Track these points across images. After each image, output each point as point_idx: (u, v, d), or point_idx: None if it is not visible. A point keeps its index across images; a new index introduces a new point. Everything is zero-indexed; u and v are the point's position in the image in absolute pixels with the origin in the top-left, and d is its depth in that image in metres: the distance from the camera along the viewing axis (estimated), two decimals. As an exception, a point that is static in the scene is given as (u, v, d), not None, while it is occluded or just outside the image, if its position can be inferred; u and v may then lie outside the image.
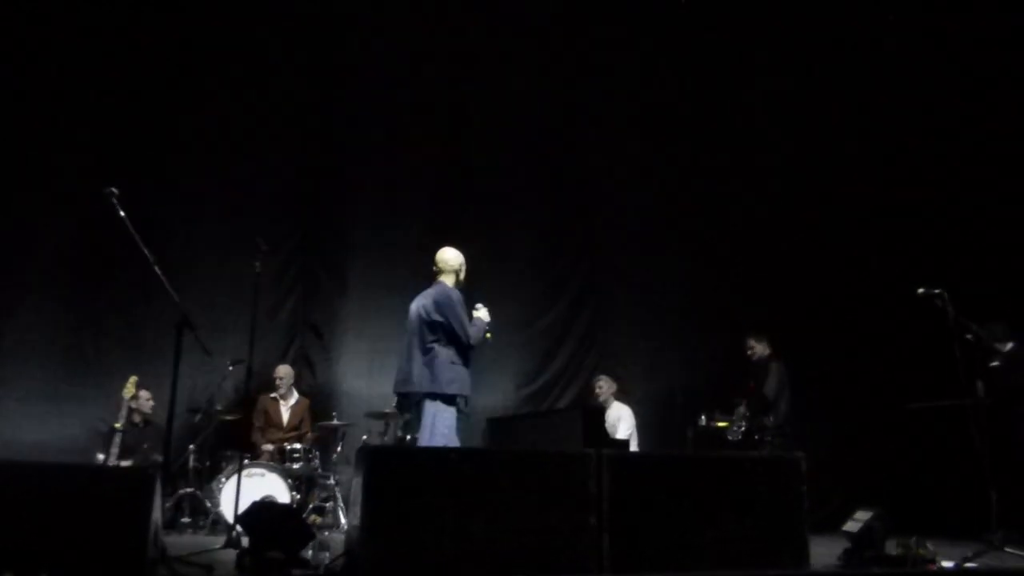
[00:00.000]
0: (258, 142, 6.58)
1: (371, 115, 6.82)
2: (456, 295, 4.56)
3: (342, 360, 6.67)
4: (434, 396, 4.35)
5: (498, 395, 6.67)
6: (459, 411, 4.42)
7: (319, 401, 6.45)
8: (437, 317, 4.44)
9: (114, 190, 3.61)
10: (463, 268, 4.71)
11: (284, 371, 6.32)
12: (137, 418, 5.77)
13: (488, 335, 4.63)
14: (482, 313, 4.69)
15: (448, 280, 4.64)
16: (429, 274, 4.77)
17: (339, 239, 6.79)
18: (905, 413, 4.78)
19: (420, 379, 4.39)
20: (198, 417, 5.72)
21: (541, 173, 7.11)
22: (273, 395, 6.27)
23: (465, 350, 4.53)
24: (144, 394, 5.80)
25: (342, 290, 6.76)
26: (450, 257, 4.69)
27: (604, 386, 6.46)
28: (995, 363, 4.85)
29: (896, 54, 6.50)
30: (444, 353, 4.44)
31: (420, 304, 4.58)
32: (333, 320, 6.64)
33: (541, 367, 6.94)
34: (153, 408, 5.85)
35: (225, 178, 6.48)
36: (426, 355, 4.44)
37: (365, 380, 6.52)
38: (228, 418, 5.78)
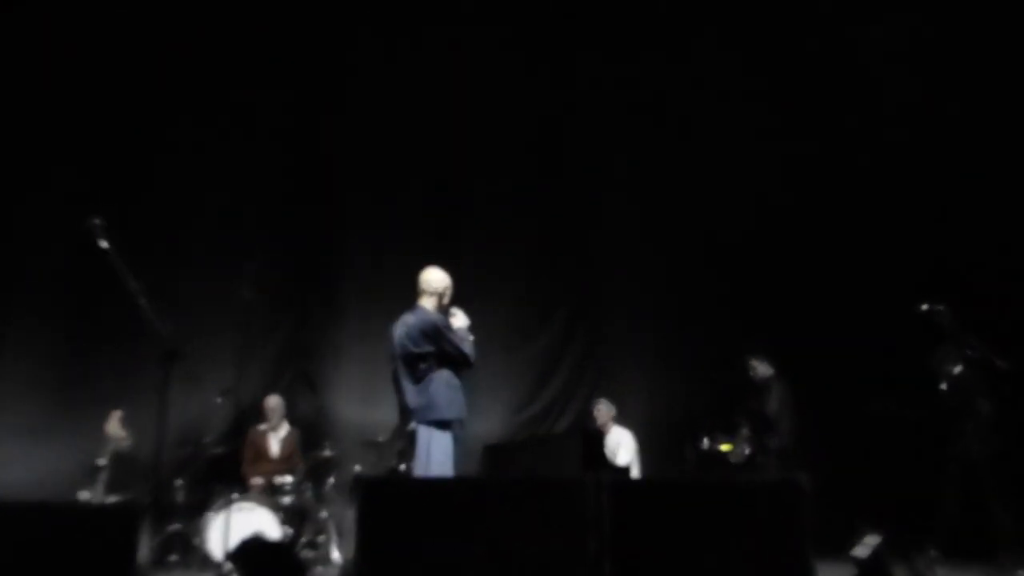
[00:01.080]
0: (248, 165, 6.60)
1: (362, 137, 6.85)
2: (441, 319, 4.45)
3: (335, 387, 6.67)
4: (428, 422, 4.27)
5: (493, 421, 6.65)
6: (455, 437, 4.33)
7: (310, 430, 6.42)
8: (427, 347, 4.34)
9: (97, 221, 3.60)
10: (448, 291, 4.56)
11: (274, 402, 6.29)
12: (122, 454, 5.68)
13: (470, 337, 4.56)
14: (460, 320, 4.57)
15: (429, 303, 4.53)
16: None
17: (332, 264, 6.79)
18: (912, 431, 4.82)
19: (418, 409, 4.31)
20: (186, 451, 5.72)
21: (534, 192, 7.11)
22: (262, 427, 6.24)
23: (462, 370, 4.45)
24: (120, 432, 5.71)
25: (335, 316, 6.75)
26: (434, 279, 4.58)
27: (603, 410, 6.46)
28: (943, 386, 4.90)
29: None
30: (439, 377, 4.35)
31: (402, 333, 4.44)
32: (326, 346, 6.63)
33: (536, 391, 6.94)
34: (131, 444, 5.77)
35: (214, 203, 6.50)
36: (419, 383, 4.35)
37: (358, 407, 6.49)
38: (217, 451, 5.74)
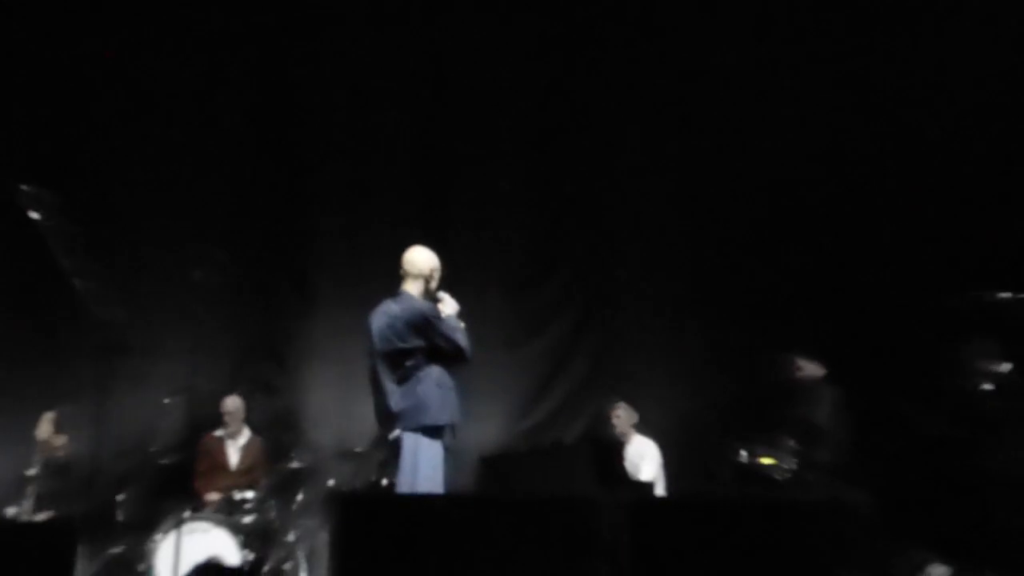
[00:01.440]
0: (208, 134, 6.61)
1: (336, 106, 6.85)
2: (429, 308, 4.48)
3: (305, 387, 6.66)
4: (415, 428, 4.30)
5: (491, 427, 6.67)
6: (446, 446, 4.36)
7: (276, 438, 6.40)
8: (414, 341, 4.37)
9: (25, 188, 3.66)
10: (436, 274, 4.62)
11: (232, 405, 6.29)
12: (55, 463, 5.72)
13: (461, 324, 4.58)
14: (449, 307, 4.58)
15: (414, 288, 4.57)
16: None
17: (302, 244, 6.80)
18: (971, 444, 4.78)
19: (403, 414, 4.32)
20: (131, 460, 5.69)
21: (538, 167, 7.09)
22: (219, 433, 6.25)
23: (455, 366, 4.47)
24: (53, 438, 5.75)
25: (306, 307, 6.75)
26: (420, 259, 4.60)
27: (622, 416, 6.42)
28: (986, 386, 4.82)
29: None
30: (428, 375, 4.38)
31: (383, 324, 4.48)
32: (295, 340, 6.64)
33: (542, 394, 6.92)
34: (66, 452, 5.79)
35: (171, 181, 6.52)
36: (404, 383, 4.36)
37: (333, 411, 6.48)
38: (166, 461, 5.73)
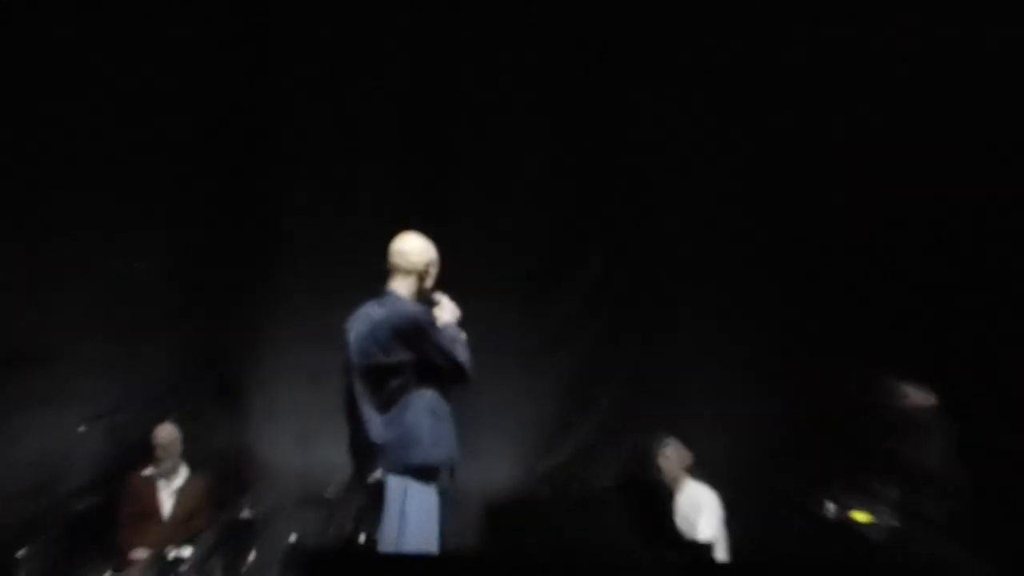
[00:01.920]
0: (147, 91, 6.62)
1: (309, 52, 6.87)
2: (422, 313, 4.46)
3: (261, 413, 6.60)
4: (403, 468, 4.26)
5: (500, 467, 6.60)
6: (442, 491, 4.32)
7: (223, 478, 6.30)
8: (402, 355, 4.31)
9: None
10: (432, 269, 4.60)
11: (168, 435, 6.25)
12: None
13: (462, 333, 4.58)
14: (447, 311, 4.58)
15: (404, 287, 4.55)
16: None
17: (262, 232, 6.77)
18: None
19: (387, 449, 4.30)
20: (36, 504, 5.56)
21: (561, 139, 7.05)
22: (149, 472, 6.20)
23: (454, 389, 4.46)
24: None
25: (265, 308, 6.69)
26: (412, 250, 4.58)
27: (672, 456, 6.37)
28: None
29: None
30: (420, 400, 4.33)
31: (364, 332, 4.44)
32: (249, 352, 6.59)
33: (566, 424, 6.86)
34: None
35: (94, 147, 6.49)
36: (388, 409, 4.30)
37: (296, 445, 6.43)
38: (82, 506, 5.66)
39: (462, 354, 4.42)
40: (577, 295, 7.06)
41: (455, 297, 4.66)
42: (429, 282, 4.58)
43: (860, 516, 5.07)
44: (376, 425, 4.32)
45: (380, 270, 4.59)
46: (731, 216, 6.91)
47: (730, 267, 6.86)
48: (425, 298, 4.57)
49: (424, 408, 4.32)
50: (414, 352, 4.33)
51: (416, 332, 4.35)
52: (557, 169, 7.05)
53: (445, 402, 4.39)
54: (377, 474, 4.27)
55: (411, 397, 4.31)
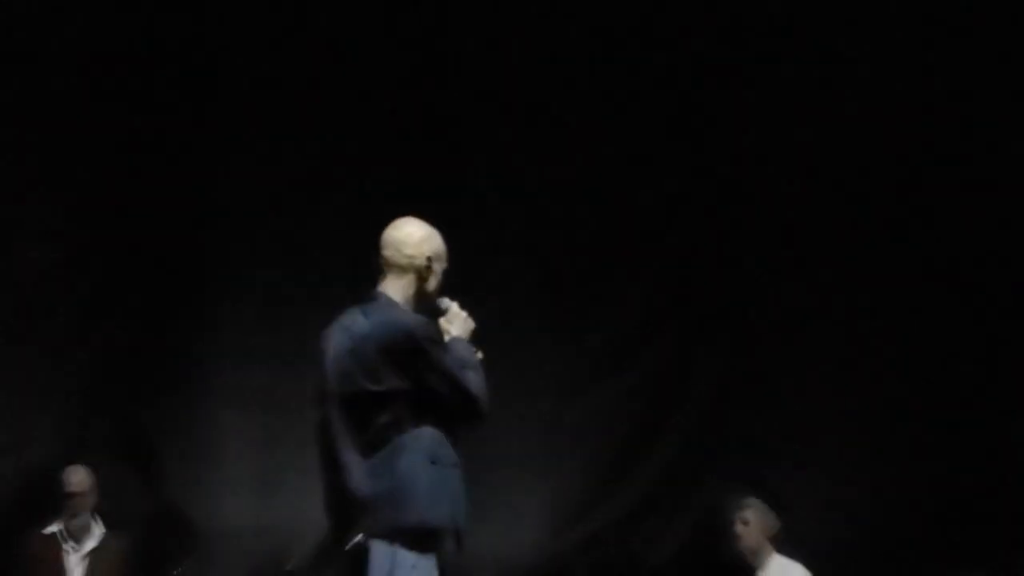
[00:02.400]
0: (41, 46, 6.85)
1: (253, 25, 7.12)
2: (422, 325, 4.38)
3: (199, 457, 6.69)
4: (392, 532, 4.16)
5: (520, 534, 6.72)
6: (442, 565, 4.22)
7: (148, 540, 6.42)
8: (395, 381, 4.19)
9: None
10: (438, 266, 4.52)
11: (78, 482, 6.31)
12: None
13: (477, 353, 4.55)
14: (457, 321, 4.53)
15: (399, 288, 4.48)
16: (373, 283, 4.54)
17: (198, 214, 6.94)
18: None
19: (372, 505, 4.22)
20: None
21: (622, 97, 7.16)
22: (54, 529, 6.27)
23: (463, 428, 4.41)
24: None
25: (202, 314, 6.83)
26: (410, 238, 4.51)
27: (753, 522, 6.42)
28: None
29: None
30: (415, 444, 4.21)
31: (344, 348, 4.37)
32: (187, 376, 6.72)
33: (611, 479, 6.92)
34: None
35: None
36: (375, 452, 4.16)
37: (247, 499, 6.56)
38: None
39: (475, 382, 4.36)
40: (625, 314, 7.13)
41: (468, 307, 4.55)
42: (433, 283, 4.48)
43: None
44: (358, 473, 4.22)
45: (365, 268, 4.49)
46: (843, 218, 7.02)
47: (833, 304, 7.01)
48: (427, 305, 4.49)
49: (422, 453, 4.22)
50: (410, 378, 4.25)
51: (413, 350, 4.26)
52: (600, 143, 7.13)
53: (450, 446, 4.31)
54: (358, 538, 4.20)
55: (405, 438, 4.21)
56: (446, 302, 4.52)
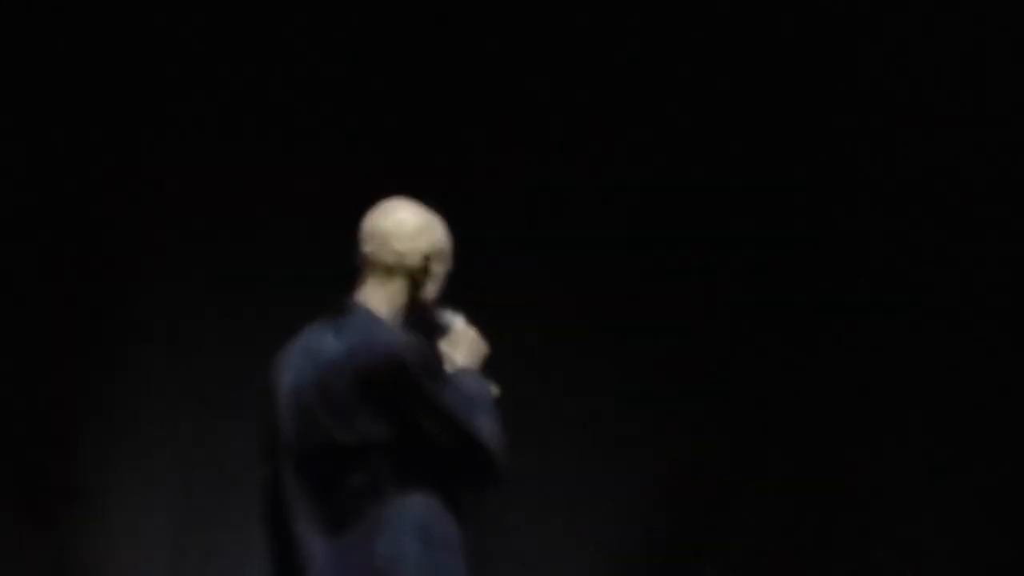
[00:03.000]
0: None
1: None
2: (415, 348, 4.28)
3: (105, 530, 6.79)
4: None
5: None
6: None
7: None
8: (373, 426, 4.19)
9: None
10: (436, 265, 4.51)
11: None
12: None
13: (492, 389, 4.41)
14: (463, 343, 4.55)
15: (384, 296, 4.44)
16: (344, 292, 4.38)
17: (134, 205, 7.20)
18: None
19: None
20: None
21: (696, 46, 7.63)
22: None
23: (462, 491, 4.34)
24: None
25: (127, 331, 6.95)
26: (400, 228, 4.46)
27: None
28: None
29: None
30: (401, 516, 4.15)
31: (307, 382, 4.38)
32: (85, 423, 6.93)
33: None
34: None
35: None
36: (345, 529, 4.15)
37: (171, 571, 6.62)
38: None
39: (487, 428, 4.20)
40: (703, 333, 7.49)
41: (481, 325, 4.47)
42: (430, 289, 4.40)
43: None
44: (321, 557, 4.16)
45: (335, 268, 4.49)
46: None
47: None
48: (422, 320, 4.39)
49: (410, 531, 4.10)
50: (396, 423, 4.12)
51: (401, 384, 4.12)
52: (675, 145, 7.71)
53: (450, 520, 4.16)
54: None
55: (388, 509, 4.11)
56: (449, 316, 4.44)
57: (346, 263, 4.63)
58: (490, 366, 4.73)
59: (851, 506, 8.04)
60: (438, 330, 4.60)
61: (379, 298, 4.50)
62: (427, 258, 4.47)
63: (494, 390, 4.48)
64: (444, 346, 4.54)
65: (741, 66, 8.30)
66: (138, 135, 7.60)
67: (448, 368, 4.52)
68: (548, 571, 7.19)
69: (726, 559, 7.84)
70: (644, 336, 7.80)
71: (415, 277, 4.50)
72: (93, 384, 7.07)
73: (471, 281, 4.84)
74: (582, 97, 7.99)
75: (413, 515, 4.27)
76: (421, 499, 4.30)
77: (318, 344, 4.48)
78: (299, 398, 4.42)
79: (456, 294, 4.73)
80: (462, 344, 4.56)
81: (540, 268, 7.48)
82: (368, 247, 4.49)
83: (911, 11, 8.33)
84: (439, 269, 4.55)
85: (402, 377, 4.27)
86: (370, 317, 4.45)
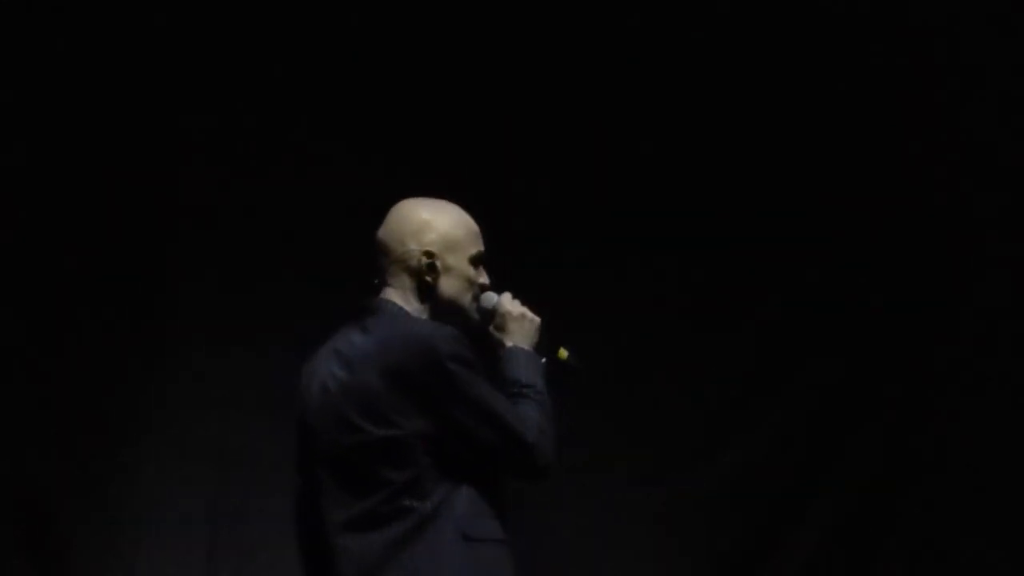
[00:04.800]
0: None
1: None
2: (449, 338, 4.24)
3: (149, 515, 6.81)
4: None
5: None
6: None
7: None
8: (408, 424, 4.11)
9: None
10: (451, 257, 4.45)
11: None
12: None
13: (566, 355, 4.35)
14: (511, 323, 4.49)
15: (401, 294, 4.38)
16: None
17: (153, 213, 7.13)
18: None
19: None
20: None
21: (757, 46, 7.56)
22: None
23: (506, 491, 4.20)
24: None
25: (147, 347, 6.96)
26: (402, 224, 4.46)
27: None
28: None
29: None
30: (442, 518, 4.08)
31: (335, 385, 4.34)
32: (132, 404, 6.92)
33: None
34: None
35: None
36: (381, 530, 4.08)
37: None
38: None
39: (531, 419, 4.13)
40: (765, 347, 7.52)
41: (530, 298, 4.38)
42: (449, 284, 4.36)
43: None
44: (356, 561, 4.07)
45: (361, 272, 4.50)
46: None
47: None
48: (455, 315, 4.37)
49: (451, 531, 4.03)
50: (432, 416, 4.07)
51: (434, 371, 4.08)
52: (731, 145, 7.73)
53: (495, 517, 4.08)
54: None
55: (427, 507, 4.04)
56: (493, 298, 4.36)
57: (372, 264, 4.64)
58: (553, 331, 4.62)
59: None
60: (486, 318, 4.56)
61: (402, 298, 4.52)
62: (429, 255, 4.46)
63: (563, 353, 4.52)
64: (494, 332, 4.54)
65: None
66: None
67: (500, 352, 4.52)
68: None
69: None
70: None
71: (423, 275, 4.50)
72: (128, 382, 7.09)
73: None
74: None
75: (454, 517, 4.20)
76: (465, 496, 4.25)
77: (347, 344, 4.49)
78: (330, 399, 4.40)
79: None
80: (509, 323, 4.53)
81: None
82: (380, 250, 4.55)
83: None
84: (453, 261, 4.52)
85: (435, 367, 4.24)
86: (398, 311, 4.45)
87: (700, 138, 8.10)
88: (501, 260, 4.86)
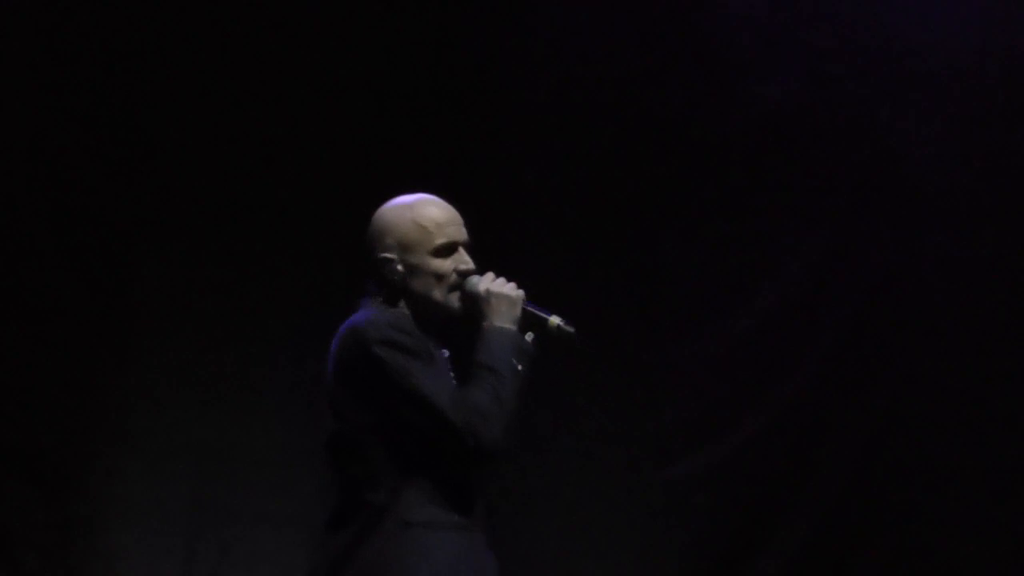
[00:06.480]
0: None
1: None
2: (380, 324, 4.25)
3: (130, 512, 6.75)
4: None
5: None
6: None
7: None
8: (356, 414, 4.20)
9: None
10: (412, 256, 4.41)
11: None
12: None
13: (555, 324, 4.24)
14: (494, 302, 4.34)
15: (385, 297, 4.41)
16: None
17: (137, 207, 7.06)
18: None
19: None
20: None
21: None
22: None
23: (467, 484, 4.18)
24: None
25: (140, 330, 6.93)
26: (369, 229, 4.45)
27: None
28: None
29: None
30: (389, 511, 4.08)
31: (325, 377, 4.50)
32: (110, 405, 6.85)
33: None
34: None
35: None
36: (339, 528, 4.19)
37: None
38: None
39: (470, 404, 4.07)
40: (761, 334, 7.38)
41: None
42: (418, 285, 4.32)
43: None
44: (327, 562, 4.19)
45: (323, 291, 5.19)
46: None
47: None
48: (440, 312, 4.35)
49: (393, 520, 4.07)
50: (371, 406, 4.11)
51: (363, 357, 4.12)
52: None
53: (446, 506, 4.08)
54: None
55: (380, 502, 4.09)
56: (474, 283, 4.28)
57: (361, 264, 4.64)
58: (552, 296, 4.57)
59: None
60: (474, 306, 4.49)
61: (381, 299, 4.54)
62: (389, 260, 4.49)
63: (554, 322, 4.38)
64: (477, 316, 4.47)
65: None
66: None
67: (492, 326, 4.42)
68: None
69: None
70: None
71: (392, 279, 4.50)
72: (106, 383, 7.05)
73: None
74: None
75: (403, 502, 4.20)
76: (416, 484, 4.24)
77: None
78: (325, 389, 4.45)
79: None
80: (492, 305, 4.42)
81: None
82: (363, 255, 4.59)
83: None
84: (416, 260, 4.48)
85: (364, 354, 4.25)
86: (364, 306, 4.47)
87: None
88: (504, 250, 5.24)
